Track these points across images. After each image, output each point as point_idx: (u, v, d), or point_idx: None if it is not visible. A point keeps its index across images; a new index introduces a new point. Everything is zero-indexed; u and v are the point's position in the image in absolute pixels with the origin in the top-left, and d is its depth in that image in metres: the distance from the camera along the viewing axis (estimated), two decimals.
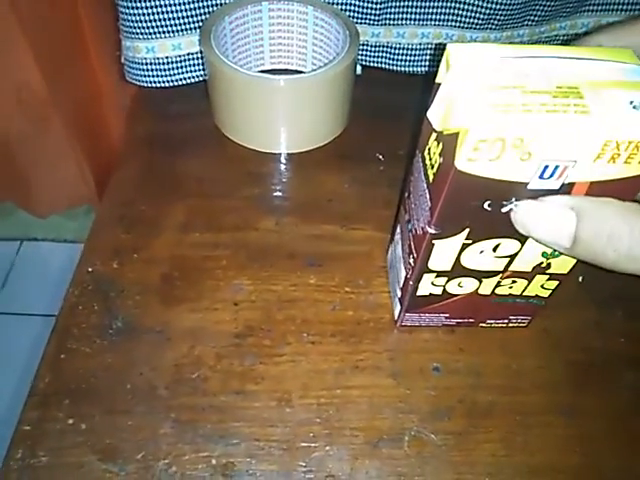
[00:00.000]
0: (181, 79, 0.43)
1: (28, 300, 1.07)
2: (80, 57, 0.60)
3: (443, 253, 0.23)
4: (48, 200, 0.83)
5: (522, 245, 0.22)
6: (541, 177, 0.19)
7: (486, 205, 0.20)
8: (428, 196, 0.22)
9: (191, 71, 0.42)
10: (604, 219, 0.18)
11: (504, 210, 0.20)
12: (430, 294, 0.26)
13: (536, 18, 0.43)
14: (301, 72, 0.45)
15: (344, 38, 0.38)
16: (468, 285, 0.25)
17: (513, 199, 0.20)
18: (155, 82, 0.42)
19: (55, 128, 0.65)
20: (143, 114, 0.42)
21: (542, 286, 0.25)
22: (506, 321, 0.29)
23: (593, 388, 0.28)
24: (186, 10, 0.40)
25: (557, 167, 0.18)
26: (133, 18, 0.39)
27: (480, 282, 0.25)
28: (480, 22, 0.42)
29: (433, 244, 0.23)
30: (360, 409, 0.27)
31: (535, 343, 0.30)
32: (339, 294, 0.31)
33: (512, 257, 0.23)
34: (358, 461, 0.25)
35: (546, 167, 0.18)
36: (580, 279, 0.32)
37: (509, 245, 0.22)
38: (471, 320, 0.29)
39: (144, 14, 0.39)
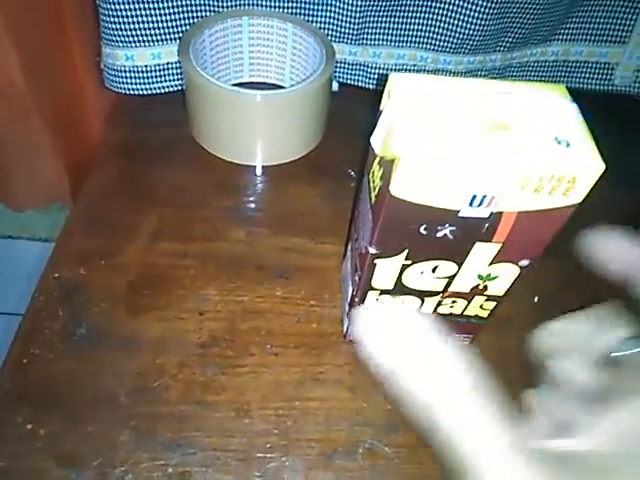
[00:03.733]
0: (160, 88, 0.43)
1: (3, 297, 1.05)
2: (63, 58, 0.60)
3: (385, 272, 0.24)
4: (25, 195, 0.82)
5: (459, 267, 0.23)
6: (470, 205, 0.20)
7: (422, 229, 0.21)
8: (370, 217, 0.23)
9: (170, 80, 0.43)
10: None
11: (439, 235, 0.21)
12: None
13: (508, 44, 0.44)
14: (279, 86, 0.46)
15: (321, 56, 0.39)
16: (410, 302, 0.26)
17: (447, 225, 0.21)
18: (133, 90, 0.42)
19: (34, 125, 0.65)
20: (121, 120, 0.42)
21: (481, 306, 0.26)
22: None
23: None
24: (167, 21, 0.40)
25: (485, 197, 0.19)
26: (114, 26, 0.39)
27: (422, 301, 0.26)
28: (454, 46, 0.43)
29: (375, 263, 0.23)
30: (317, 421, 0.27)
31: (488, 360, 0.30)
32: (304, 307, 0.32)
33: (451, 278, 0.24)
34: (312, 472, 0.26)
35: (474, 197, 0.19)
36: (536, 299, 0.34)
37: (447, 267, 0.23)
38: None
39: (125, 22, 0.39)
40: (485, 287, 0.25)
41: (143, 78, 0.42)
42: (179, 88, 0.43)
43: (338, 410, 0.28)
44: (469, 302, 0.26)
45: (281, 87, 0.46)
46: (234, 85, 0.42)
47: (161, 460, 0.25)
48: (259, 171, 0.40)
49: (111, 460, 0.25)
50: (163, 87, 0.43)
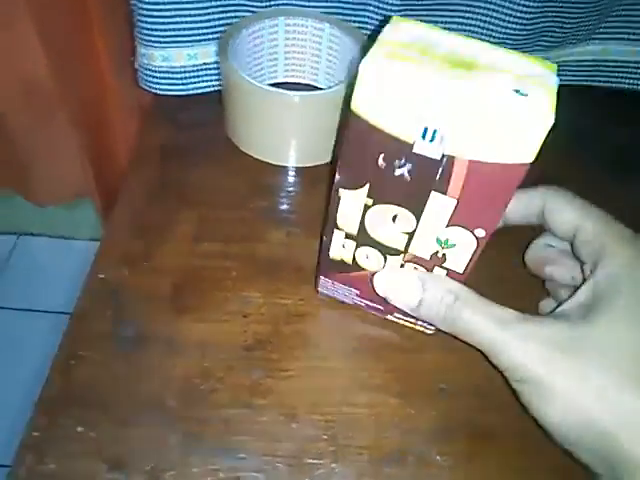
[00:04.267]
0: (195, 88, 0.43)
1: (22, 295, 1.06)
2: (88, 53, 0.60)
3: (349, 208, 0.25)
4: (48, 190, 0.83)
5: (417, 221, 0.24)
6: (423, 138, 0.20)
7: (380, 160, 0.22)
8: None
9: (205, 81, 0.43)
10: (439, 289, 0.25)
11: (397, 173, 0.22)
12: (341, 260, 0.28)
13: (547, 44, 0.44)
14: (313, 86, 0.46)
15: (358, 57, 0.39)
16: (374, 258, 0.27)
17: (403, 159, 0.21)
18: (169, 90, 0.42)
19: (59, 121, 0.66)
20: (156, 121, 0.42)
21: None
22: (412, 320, 0.29)
23: None
24: (203, 21, 0.40)
25: (436, 131, 0.20)
26: (150, 27, 0.39)
27: (385, 258, 0.26)
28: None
29: (339, 195, 0.24)
30: (366, 427, 0.27)
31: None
32: (347, 309, 0.32)
33: (410, 235, 0.25)
34: (363, 479, 0.26)
35: (426, 129, 0.20)
36: None
37: (406, 218, 0.24)
38: (380, 308, 0.30)
39: (162, 23, 0.39)
40: (444, 257, 0.25)
41: (179, 79, 0.42)
42: (214, 88, 0.43)
43: (386, 417, 0.28)
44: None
45: (315, 87, 0.45)
46: (268, 85, 0.42)
47: (212, 465, 0.25)
48: (295, 172, 0.40)
49: (162, 464, 0.25)
50: (199, 87, 0.43)
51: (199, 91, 0.43)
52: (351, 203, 0.24)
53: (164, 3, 0.38)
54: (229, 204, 0.37)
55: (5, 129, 0.68)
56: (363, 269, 0.28)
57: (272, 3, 0.41)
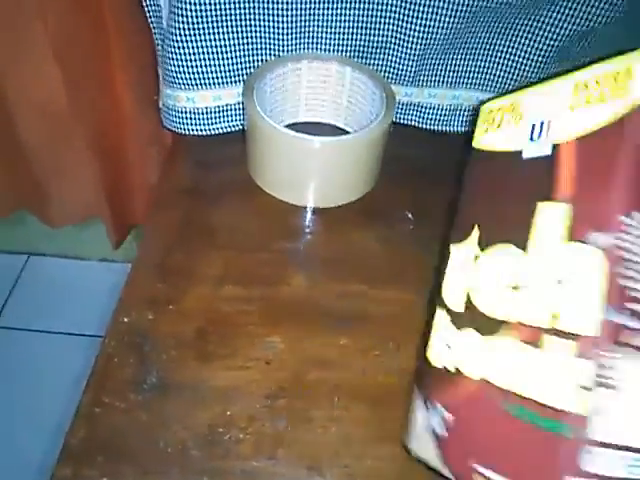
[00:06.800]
0: (218, 128, 0.44)
1: (32, 315, 1.06)
2: (105, 77, 0.61)
3: (457, 270, 0.23)
4: (61, 211, 0.84)
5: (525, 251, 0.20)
6: (531, 139, 0.20)
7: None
8: None
9: (228, 121, 0.44)
10: None
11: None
12: (444, 368, 0.23)
13: None
14: (333, 125, 0.46)
15: (380, 99, 0.39)
16: (473, 346, 0.22)
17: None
18: (193, 130, 0.43)
19: (74, 144, 0.67)
20: (179, 161, 0.43)
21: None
22: None
23: None
24: (229, 64, 0.41)
25: (542, 123, 0.20)
26: (178, 69, 0.40)
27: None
28: (513, 88, 0.43)
29: (449, 252, 0.24)
30: None
31: None
32: (369, 357, 0.32)
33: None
34: None
35: (533, 126, 0.20)
36: None
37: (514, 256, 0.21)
38: None
39: (189, 66, 0.40)
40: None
41: (203, 119, 0.43)
42: (237, 128, 0.44)
43: (412, 470, 0.27)
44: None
45: (336, 127, 0.46)
46: (289, 125, 0.42)
47: None
48: (317, 213, 0.40)
49: None
50: (222, 127, 0.44)
51: (222, 131, 0.44)
52: (460, 261, 0.23)
53: (191, 47, 0.39)
54: (252, 246, 0.37)
55: (21, 151, 0.69)
56: (467, 380, 0.22)
57: (294, 48, 0.42)
